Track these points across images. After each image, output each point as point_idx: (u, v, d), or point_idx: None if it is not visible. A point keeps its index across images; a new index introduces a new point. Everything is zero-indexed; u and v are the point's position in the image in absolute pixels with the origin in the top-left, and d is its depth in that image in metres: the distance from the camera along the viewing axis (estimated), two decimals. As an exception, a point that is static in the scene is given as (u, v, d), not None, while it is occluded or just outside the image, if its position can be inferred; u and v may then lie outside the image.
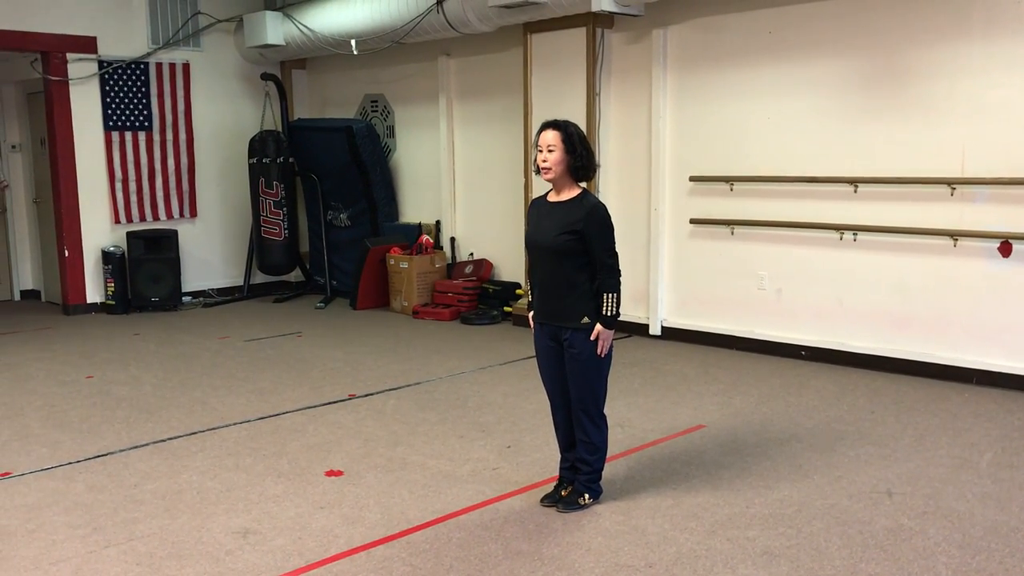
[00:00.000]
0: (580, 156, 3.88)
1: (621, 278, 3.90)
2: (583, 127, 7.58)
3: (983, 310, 5.89)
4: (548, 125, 3.91)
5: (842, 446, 4.82)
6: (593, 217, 3.83)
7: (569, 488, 4.11)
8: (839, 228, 6.44)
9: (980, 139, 5.79)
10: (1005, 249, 5.76)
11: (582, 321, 3.87)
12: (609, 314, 3.84)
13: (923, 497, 4.11)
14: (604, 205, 3.95)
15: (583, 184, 3.98)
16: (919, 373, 6.13)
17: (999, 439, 4.87)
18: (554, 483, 4.19)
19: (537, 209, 4.04)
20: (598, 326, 3.85)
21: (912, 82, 6.06)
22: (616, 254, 3.88)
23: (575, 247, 3.84)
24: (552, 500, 4.08)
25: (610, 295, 3.84)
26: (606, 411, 4.05)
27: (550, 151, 3.87)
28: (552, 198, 3.98)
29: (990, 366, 5.86)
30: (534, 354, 4.15)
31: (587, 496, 4.04)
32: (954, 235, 5.93)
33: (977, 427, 5.08)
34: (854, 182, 6.34)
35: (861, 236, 6.37)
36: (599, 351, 3.87)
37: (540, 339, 4.05)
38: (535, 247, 3.97)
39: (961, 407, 5.46)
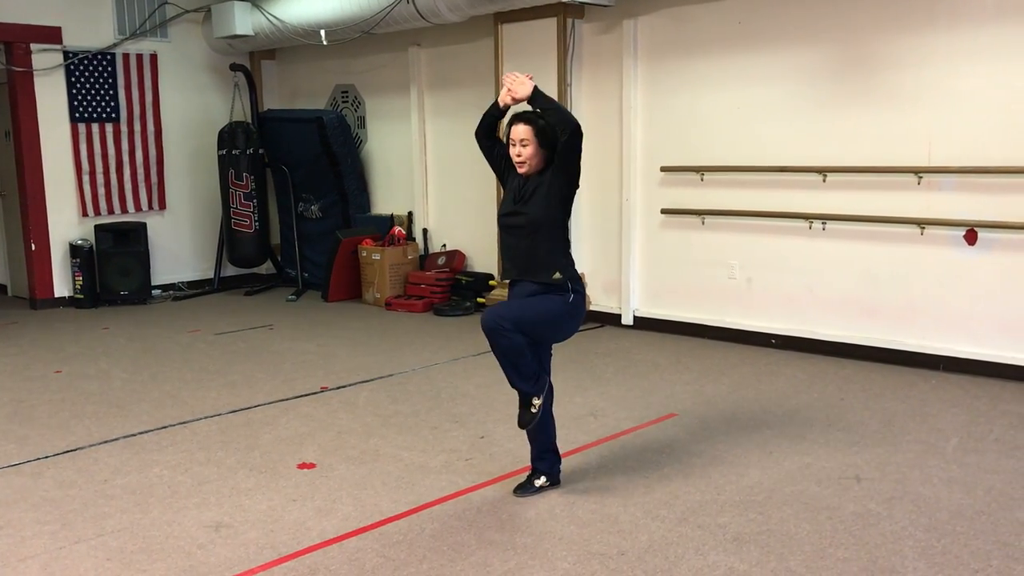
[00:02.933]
0: (552, 149, 3.83)
1: (571, 117, 3.82)
2: (554, 117, 7.63)
3: (949, 297, 5.97)
4: (519, 119, 3.85)
5: (811, 433, 4.87)
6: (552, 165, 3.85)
7: (543, 478, 4.12)
8: (808, 217, 6.50)
9: (946, 128, 5.86)
10: (971, 237, 5.83)
11: (553, 276, 3.85)
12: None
13: (891, 482, 4.16)
14: None
15: None
16: (887, 360, 6.21)
17: (965, 424, 4.95)
18: (527, 473, 4.20)
19: (510, 188, 4.01)
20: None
21: (879, 72, 6.12)
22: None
23: (549, 214, 3.83)
24: (525, 491, 4.09)
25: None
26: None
27: (524, 145, 3.83)
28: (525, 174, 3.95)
29: (956, 352, 5.94)
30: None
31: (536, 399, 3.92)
32: (921, 223, 6.00)
33: (944, 413, 5.16)
34: (823, 171, 6.40)
35: (830, 225, 6.43)
36: (522, 87, 3.82)
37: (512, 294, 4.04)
38: (509, 222, 3.94)
39: (928, 393, 5.54)
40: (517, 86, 3.84)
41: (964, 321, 5.92)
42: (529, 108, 3.89)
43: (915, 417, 5.10)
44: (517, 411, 3.97)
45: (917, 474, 4.25)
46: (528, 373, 3.87)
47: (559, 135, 3.78)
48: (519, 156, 3.84)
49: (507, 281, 4.15)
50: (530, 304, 3.89)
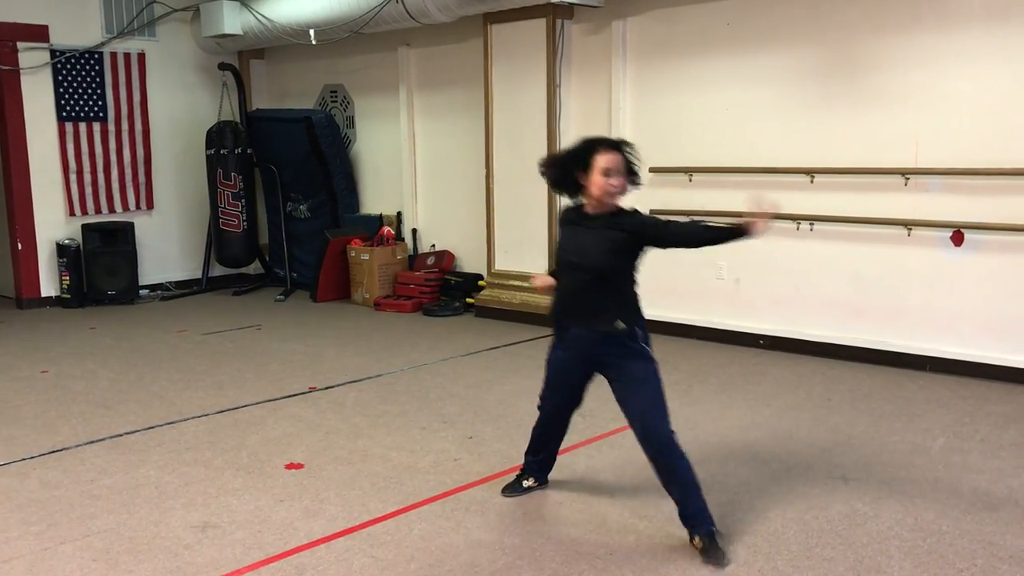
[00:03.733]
0: (635, 175, 3.65)
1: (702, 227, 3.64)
2: (544, 118, 7.65)
3: (936, 298, 6.00)
4: (610, 145, 3.60)
5: (798, 433, 4.89)
6: (638, 219, 3.62)
7: (532, 479, 4.12)
8: (796, 218, 6.52)
9: (933, 130, 5.89)
10: (957, 238, 5.87)
11: (618, 325, 3.62)
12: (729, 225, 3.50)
13: (877, 482, 4.18)
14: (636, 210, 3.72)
15: None
16: (875, 360, 6.23)
17: (951, 424, 4.97)
18: (516, 473, 4.20)
19: (570, 220, 3.75)
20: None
21: (867, 73, 6.14)
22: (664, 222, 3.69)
23: (622, 264, 3.64)
24: (514, 491, 4.09)
25: (705, 227, 3.62)
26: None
27: (617, 175, 3.56)
28: (589, 210, 3.68)
29: (943, 353, 5.97)
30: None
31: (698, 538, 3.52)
32: (908, 224, 6.03)
33: (930, 413, 5.18)
34: (811, 172, 6.42)
35: (818, 226, 6.45)
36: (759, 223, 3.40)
37: (565, 349, 3.80)
38: (573, 264, 3.67)
39: (915, 393, 5.57)
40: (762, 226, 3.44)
41: (951, 322, 5.95)
42: (615, 137, 3.75)
43: (902, 417, 5.12)
44: (707, 548, 3.45)
45: (903, 474, 4.27)
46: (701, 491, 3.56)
47: (690, 238, 3.70)
48: (615, 185, 3.56)
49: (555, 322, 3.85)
50: (650, 394, 3.61)
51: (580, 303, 3.69)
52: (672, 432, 3.55)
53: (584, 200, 3.70)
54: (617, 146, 3.63)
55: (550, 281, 3.89)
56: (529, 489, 4.11)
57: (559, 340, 3.85)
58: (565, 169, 3.68)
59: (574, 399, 3.96)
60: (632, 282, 3.72)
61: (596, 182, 3.57)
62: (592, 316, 3.66)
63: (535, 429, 4.07)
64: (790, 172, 6.52)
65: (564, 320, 3.79)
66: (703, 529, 3.50)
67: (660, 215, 7.23)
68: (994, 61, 5.62)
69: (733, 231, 3.49)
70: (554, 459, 4.17)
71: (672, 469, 3.54)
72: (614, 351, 3.66)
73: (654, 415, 3.57)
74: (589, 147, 3.62)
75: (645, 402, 3.60)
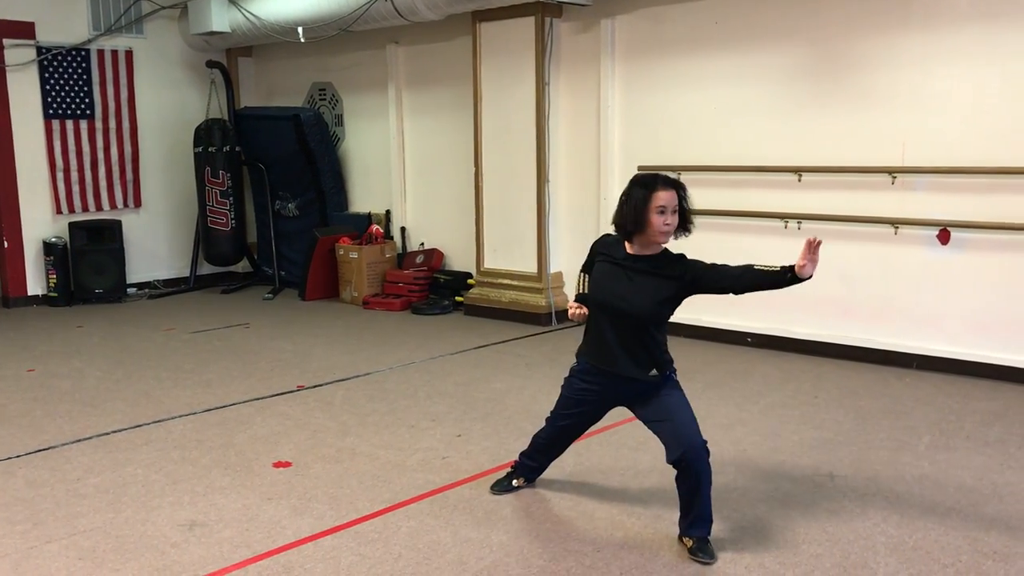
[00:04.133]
0: (686, 218, 3.51)
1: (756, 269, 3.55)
2: (533, 117, 7.65)
3: (923, 296, 6.03)
4: (667, 183, 3.48)
5: (786, 431, 4.90)
6: (691, 265, 3.53)
7: (521, 479, 4.11)
8: (783, 217, 6.54)
9: (920, 129, 5.92)
10: (944, 237, 5.90)
11: (651, 373, 3.58)
12: (779, 267, 3.48)
13: (864, 479, 4.20)
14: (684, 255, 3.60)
15: None
16: (862, 358, 6.26)
17: (937, 422, 5.00)
18: (506, 471, 4.20)
19: (612, 259, 3.61)
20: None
21: (854, 73, 6.17)
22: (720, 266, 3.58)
23: (667, 313, 3.57)
24: (502, 488, 4.10)
25: (760, 270, 3.52)
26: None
27: (674, 213, 3.45)
28: (632, 251, 3.57)
29: (930, 351, 6.00)
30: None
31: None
32: (895, 223, 6.06)
33: (917, 411, 5.21)
34: (798, 171, 6.44)
35: (805, 224, 6.47)
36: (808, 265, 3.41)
37: (590, 384, 3.74)
38: (617, 310, 3.55)
39: (902, 391, 5.59)
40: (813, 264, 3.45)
41: (937, 320, 5.98)
42: (673, 176, 3.63)
43: (888, 415, 5.14)
44: (697, 549, 3.46)
45: (890, 471, 4.29)
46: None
47: (742, 285, 3.58)
48: (668, 224, 3.44)
49: (586, 364, 3.76)
50: (684, 416, 3.58)
51: (614, 349, 3.60)
52: (704, 442, 3.51)
53: (628, 239, 3.57)
54: (674, 184, 3.51)
55: (585, 312, 3.77)
56: (517, 488, 4.11)
57: (584, 373, 3.76)
58: (637, 208, 3.47)
59: (585, 425, 3.94)
60: (666, 328, 3.66)
61: (652, 221, 3.43)
62: (626, 364, 3.60)
63: (538, 438, 4.03)
64: (778, 171, 6.54)
65: (594, 363, 3.70)
66: (698, 533, 3.50)
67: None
68: (981, 61, 5.65)
69: (786, 275, 3.45)
70: (547, 467, 4.16)
71: (699, 477, 3.46)
72: (643, 394, 3.66)
73: (689, 429, 3.52)
74: (647, 183, 3.48)
75: (680, 423, 3.54)
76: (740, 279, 3.55)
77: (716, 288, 3.57)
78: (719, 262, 3.60)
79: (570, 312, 3.86)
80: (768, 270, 3.53)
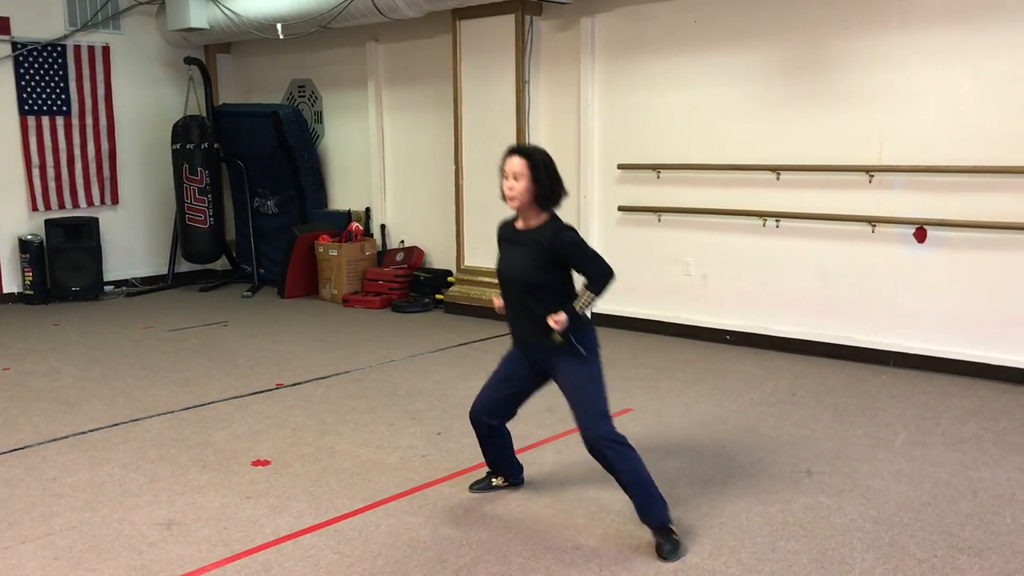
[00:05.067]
0: (545, 186, 3.61)
1: (610, 279, 3.64)
2: (513, 115, 7.65)
3: (900, 294, 6.08)
4: (515, 151, 3.65)
5: (764, 427, 4.93)
6: (561, 245, 3.59)
7: (500, 478, 4.10)
8: (762, 215, 6.58)
9: (896, 128, 5.97)
10: (920, 235, 5.95)
11: (554, 339, 3.58)
12: (577, 307, 3.54)
13: (841, 475, 4.23)
14: (571, 228, 3.68)
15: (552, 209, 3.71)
16: (839, 356, 6.31)
17: (913, 419, 5.05)
18: (485, 470, 4.20)
19: (503, 237, 3.81)
20: (561, 314, 3.50)
21: (832, 72, 6.21)
22: (598, 258, 3.65)
23: (545, 279, 3.62)
24: (481, 487, 4.09)
25: (589, 293, 3.56)
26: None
27: (516, 179, 3.60)
28: (519, 225, 3.74)
29: (906, 348, 6.06)
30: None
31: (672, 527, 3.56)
32: (872, 221, 6.10)
33: (893, 407, 5.25)
34: (776, 169, 6.48)
35: (783, 222, 6.51)
36: (555, 325, 3.50)
37: (511, 354, 3.87)
38: (505, 280, 3.74)
39: (879, 388, 5.64)
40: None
41: (914, 317, 6.03)
42: (527, 144, 3.71)
43: (865, 412, 5.18)
44: (657, 541, 3.49)
45: (866, 467, 4.33)
46: (652, 484, 3.55)
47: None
48: (511, 190, 3.61)
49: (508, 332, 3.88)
50: (580, 390, 3.63)
51: (516, 318, 3.76)
52: (604, 434, 3.52)
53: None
54: (521, 151, 3.64)
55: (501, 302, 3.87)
56: (496, 487, 4.11)
57: (512, 345, 3.92)
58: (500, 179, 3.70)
59: (514, 391, 3.87)
60: (565, 294, 3.65)
61: (501, 187, 3.63)
62: (526, 330, 3.71)
63: (476, 422, 3.99)
64: (756, 169, 6.58)
65: (512, 334, 3.85)
66: (649, 522, 3.52)
67: (629, 211, 7.33)
68: (957, 61, 5.70)
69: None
70: (509, 459, 4.08)
71: (611, 468, 3.52)
72: (553, 361, 3.68)
73: (588, 422, 3.57)
74: (504, 154, 3.65)
75: (581, 414, 3.60)
76: (591, 274, 3.65)
77: (572, 268, 3.69)
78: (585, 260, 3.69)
79: (495, 305, 3.95)
80: (581, 299, 3.60)
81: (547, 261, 3.62)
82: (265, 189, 9.92)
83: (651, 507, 3.51)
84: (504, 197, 3.68)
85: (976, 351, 5.80)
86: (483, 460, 4.26)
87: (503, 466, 4.11)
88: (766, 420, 5.06)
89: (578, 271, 3.66)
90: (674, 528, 3.53)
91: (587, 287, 3.60)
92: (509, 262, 3.74)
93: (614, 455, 3.49)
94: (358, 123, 9.41)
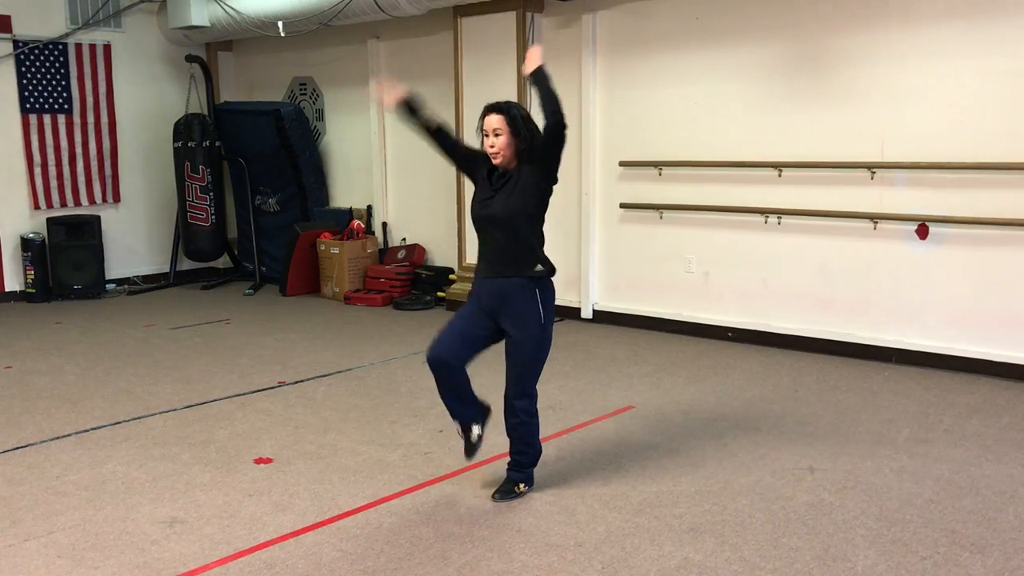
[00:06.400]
0: (526, 138, 3.78)
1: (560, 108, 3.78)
2: (514, 112, 7.63)
3: (902, 291, 6.07)
4: (492, 108, 3.81)
5: (766, 424, 4.93)
6: (530, 138, 3.80)
7: (475, 427, 4.04)
8: (764, 212, 6.57)
9: (898, 125, 5.96)
10: (922, 232, 5.94)
11: (535, 269, 3.80)
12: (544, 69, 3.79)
13: (843, 472, 4.23)
14: None
15: None
16: (841, 353, 6.30)
17: (915, 415, 5.04)
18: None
19: (485, 180, 3.91)
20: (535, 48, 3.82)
21: (834, 69, 6.20)
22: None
23: (529, 212, 3.80)
24: (472, 451, 4.09)
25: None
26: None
27: (496, 135, 3.76)
28: (501, 170, 3.89)
29: (908, 345, 6.05)
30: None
31: (523, 484, 4.02)
32: (874, 218, 6.10)
33: (895, 404, 5.25)
34: (778, 167, 6.47)
35: (785, 220, 6.51)
36: (531, 60, 3.80)
37: (475, 301, 3.96)
38: (488, 219, 3.85)
39: (881, 385, 5.64)
40: (530, 58, 3.84)
41: (916, 314, 6.03)
42: (502, 100, 3.87)
43: (867, 408, 5.18)
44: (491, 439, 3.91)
45: (869, 464, 4.32)
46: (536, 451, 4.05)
47: (544, 118, 3.77)
48: (493, 147, 3.77)
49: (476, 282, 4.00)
50: (519, 363, 3.86)
51: (495, 258, 3.90)
52: (523, 406, 3.90)
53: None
54: (498, 107, 3.81)
55: (398, 95, 4.02)
56: (480, 440, 4.06)
57: (473, 286, 4.07)
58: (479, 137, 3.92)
59: (471, 336, 3.94)
60: (533, 235, 3.86)
61: (483, 145, 3.84)
62: (491, 267, 3.89)
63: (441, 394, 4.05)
64: (758, 166, 6.57)
65: (484, 276, 3.96)
66: (517, 475, 3.99)
67: (631, 208, 7.32)
68: (958, 57, 5.69)
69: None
70: (469, 398, 4.04)
71: (511, 428, 3.94)
72: (511, 312, 3.84)
73: (515, 384, 3.89)
74: (481, 113, 3.85)
75: (514, 372, 3.90)
76: (543, 113, 3.80)
77: (546, 141, 3.83)
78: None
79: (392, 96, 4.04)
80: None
81: (531, 188, 3.79)
82: (267, 187, 9.92)
83: (523, 455, 3.97)
84: (488, 155, 3.83)
85: (978, 347, 5.80)
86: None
87: (469, 409, 4.03)
88: (768, 417, 5.06)
89: (546, 128, 3.80)
90: (520, 488, 3.98)
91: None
92: (490, 205, 3.85)
93: (519, 420, 3.91)
94: (360, 121, 9.40)
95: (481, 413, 4.10)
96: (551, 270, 3.90)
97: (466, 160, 4.04)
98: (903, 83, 5.91)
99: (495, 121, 3.77)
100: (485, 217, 3.86)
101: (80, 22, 9.37)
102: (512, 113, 3.78)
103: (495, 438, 4.60)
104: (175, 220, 10.03)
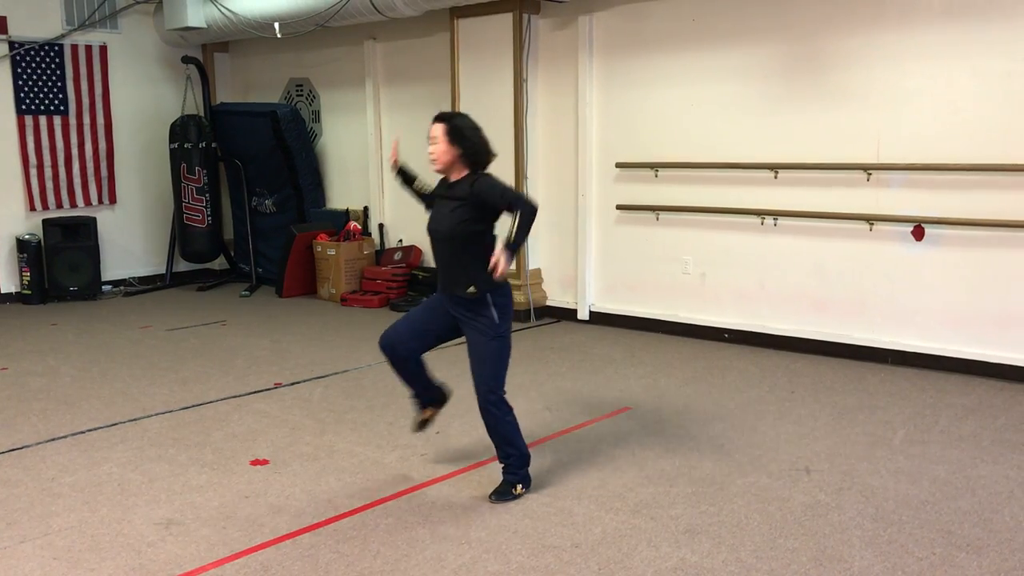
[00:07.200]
0: (467, 148, 3.91)
1: (533, 209, 3.81)
2: (511, 113, 7.64)
3: (898, 292, 6.08)
4: (436, 118, 3.97)
5: (763, 425, 4.94)
6: (480, 187, 3.86)
7: (519, 487, 4.02)
8: (760, 213, 6.58)
9: (894, 126, 5.97)
10: (918, 233, 5.95)
11: (468, 290, 3.87)
12: (511, 238, 3.71)
13: (839, 473, 4.24)
14: (488, 174, 3.98)
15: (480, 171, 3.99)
16: (837, 354, 6.31)
17: (911, 416, 5.05)
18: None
19: (437, 193, 4.13)
20: (499, 245, 3.72)
21: (830, 70, 6.21)
22: (513, 192, 3.92)
23: (468, 230, 3.88)
24: (421, 426, 4.37)
25: (515, 217, 3.75)
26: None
27: (433, 143, 3.94)
28: (449, 182, 4.05)
29: (904, 346, 6.06)
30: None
31: (519, 486, 4.02)
32: (870, 219, 6.11)
33: (891, 405, 5.26)
34: (774, 168, 6.48)
35: (781, 221, 6.52)
36: (496, 270, 3.68)
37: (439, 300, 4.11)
38: (432, 233, 4.04)
39: (877, 386, 5.64)
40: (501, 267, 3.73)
41: (912, 315, 6.04)
42: (450, 111, 4.04)
43: (864, 410, 5.19)
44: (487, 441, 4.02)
45: (865, 465, 4.33)
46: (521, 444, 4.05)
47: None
48: (431, 154, 3.95)
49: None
50: (483, 360, 3.95)
51: (443, 271, 4.03)
52: (494, 400, 3.92)
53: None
54: (442, 117, 3.96)
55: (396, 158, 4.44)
56: (430, 419, 4.38)
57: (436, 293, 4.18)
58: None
59: (424, 335, 4.11)
60: (488, 249, 3.85)
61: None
62: (453, 283, 3.97)
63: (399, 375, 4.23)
64: (754, 168, 6.58)
65: (440, 284, 4.09)
66: (507, 471, 3.99)
67: (627, 210, 7.32)
68: (954, 58, 5.71)
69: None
70: (423, 380, 4.27)
71: (490, 427, 3.96)
72: (469, 319, 3.95)
73: (483, 381, 3.94)
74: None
75: (479, 370, 3.96)
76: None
77: (500, 206, 3.89)
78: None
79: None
80: (510, 231, 3.77)
81: (470, 212, 3.88)
82: (263, 188, 9.92)
83: (510, 457, 3.97)
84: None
85: (974, 348, 5.81)
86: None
87: (424, 392, 4.29)
88: (764, 418, 5.06)
89: (502, 209, 3.87)
90: (517, 490, 3.97)
91: (514, 220, 3.77)
92: (437, 219, 4.02)
93: (494, 419, 3.93)
94: (356, 122, 9.40)
95: (436, 398, 4.33)
96: (489, 290, 3.89)
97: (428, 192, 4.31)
98: (899, 85, 5.92)
99: (434, 129, 3.94)
100: (430, 231, 4.06)
101: (76, 23, 9.36)
102: (453, 123, 3.93)
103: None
104: (171, 221, 10.02)
